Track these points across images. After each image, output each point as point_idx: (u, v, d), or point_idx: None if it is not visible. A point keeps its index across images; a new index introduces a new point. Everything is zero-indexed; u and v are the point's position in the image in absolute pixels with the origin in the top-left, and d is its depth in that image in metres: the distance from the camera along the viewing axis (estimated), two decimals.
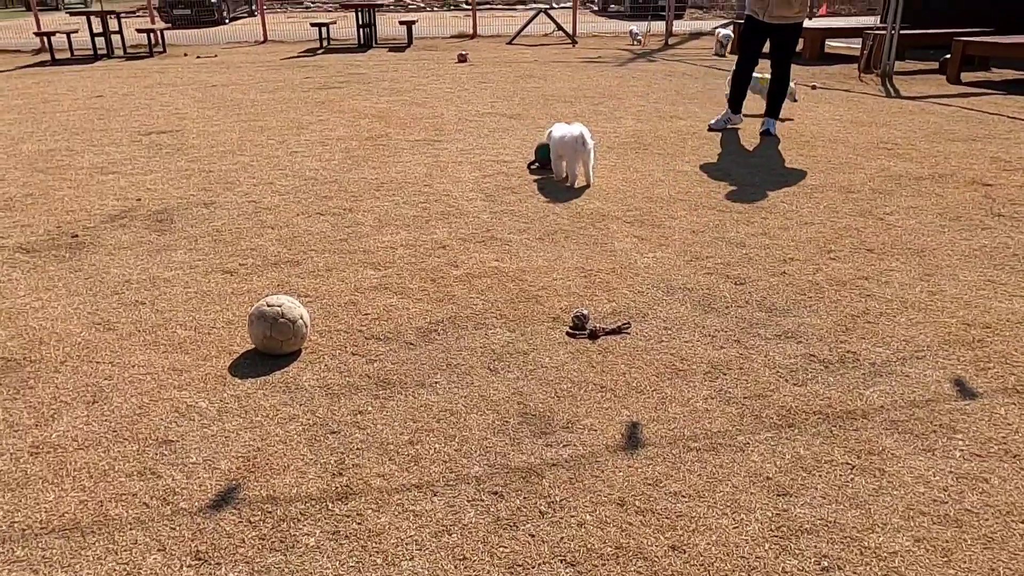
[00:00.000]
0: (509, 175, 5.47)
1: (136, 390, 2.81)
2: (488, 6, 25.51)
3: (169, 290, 3.68)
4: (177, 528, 2.12)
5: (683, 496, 2.22)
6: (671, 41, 14.61)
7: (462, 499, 2.22)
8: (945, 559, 1.97)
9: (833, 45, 12.43)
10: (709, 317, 3.30)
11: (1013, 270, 3.72)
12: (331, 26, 15.01)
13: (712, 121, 6.95)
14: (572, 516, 2.15)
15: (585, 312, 3.22)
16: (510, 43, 14.87)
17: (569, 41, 14.97)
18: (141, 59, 13.33)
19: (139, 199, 5.08)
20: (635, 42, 14.13)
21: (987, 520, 2.10)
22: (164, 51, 14.28)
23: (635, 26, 14.90)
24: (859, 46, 10.43)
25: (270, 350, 3.01)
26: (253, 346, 3.08)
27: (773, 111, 6.57)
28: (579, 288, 3.60)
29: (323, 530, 2.10)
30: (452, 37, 16.13)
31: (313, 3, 28.56)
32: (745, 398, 2.71)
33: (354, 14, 14.91)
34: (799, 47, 12.31)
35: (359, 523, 2.13)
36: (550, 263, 3.90)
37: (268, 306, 3.00)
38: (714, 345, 3.07)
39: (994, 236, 4.16)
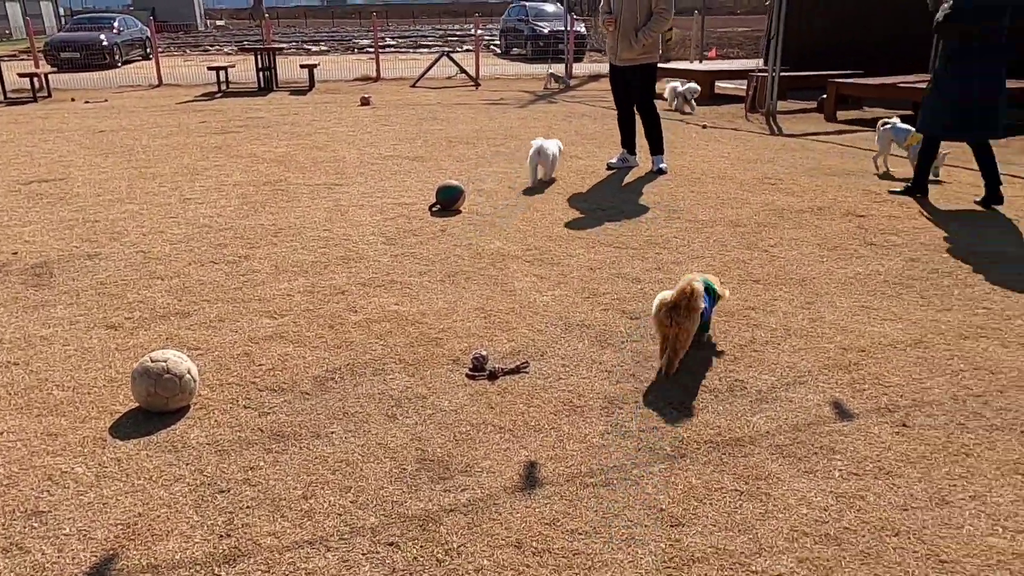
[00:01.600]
0: (411, 218, 5.47)
1: (4, 459, 2.62)
2: (392, 49, 25.69)
3: (46, 348, 3.47)
4: None
5: (579, 534, 2.23)
6: (572, 83, 15.07)
7: (356, 553, 2.16)
8: None
9: (722, 86, 13.12)
10: (606, 352, 3.37)
11: (884, 295, 3.97)
12: (229, 69, 14.75)
13: (611, 160, 7.18)
14: (470, 562, 2.13)
15: (484, 353, 3.24)
16: (414, 86, 15.00)
17: (472, 84, 15.23)
18: (23, 104, 12.70)
19: (15, 252, 4.79)
20: (559, 83, 14.32)
21: (863, 537, 2.21)
22: (49, 96, 13.66)
23: (553, 68, 15.15)
24: (745, 87, 11.06)
25: (155, 408, 2.88)
26: (137, 404, 2.94)
27: (655, 149, 6.84)
28: (479, 329, 3.62)
29: None
30: (355, 80, 16.14)
31: (212, 46, 28.03)
32: (640, 431, 2.77)
33: (253, 57, 14.71)
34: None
35: None
36: (451, 305, 3.91)
37: (152, 361, 2.87)
38: (611, 380, 3.13)
39: (867, 264, 4.44)
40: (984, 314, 3.72)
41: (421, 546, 2.19)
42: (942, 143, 5.80)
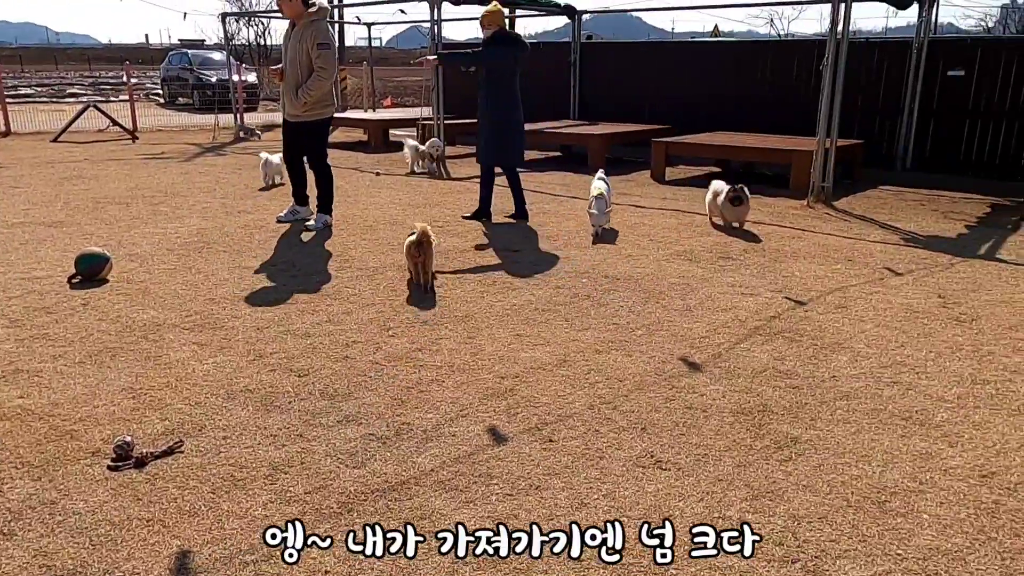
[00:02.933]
0: (43, 293, 4.79)
1: None
2: (28, 99, 22.49)
3: None
4: None
5: None
6: (242, 134, 14.52)
7: None
8: None
9: (396, 134, 13.61)
10: (272, 416, 3.24)
11: (535, 323, 4.38)
12: None
13: (280, 214, 7.01)
14: None
15: (129, 439, 2.92)
16: (55, 140, 13.28)
17: (129, 136, 13.93)
18: None
19: None
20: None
21: (513, 559, 2.37)
22: None
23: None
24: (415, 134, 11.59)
25: None
26: None
27: (322, 207, 6.77)
28: (126, 412, 3.26)
29: None
30: None
31: None
32: (306, 493, 2.69)
33: None
34: (366, 136, 13.19)
35: None
36: (91, 389, 3.47)
37: None
38: (276, 444, 3.01)
39: (521, 295, 4.87)
40: (614, 329, 4.27)
41: None
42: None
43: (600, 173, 6.86)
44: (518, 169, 7.04)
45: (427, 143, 9.92)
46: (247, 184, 8.92)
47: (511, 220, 7.03)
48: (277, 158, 8.44)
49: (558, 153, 11.87)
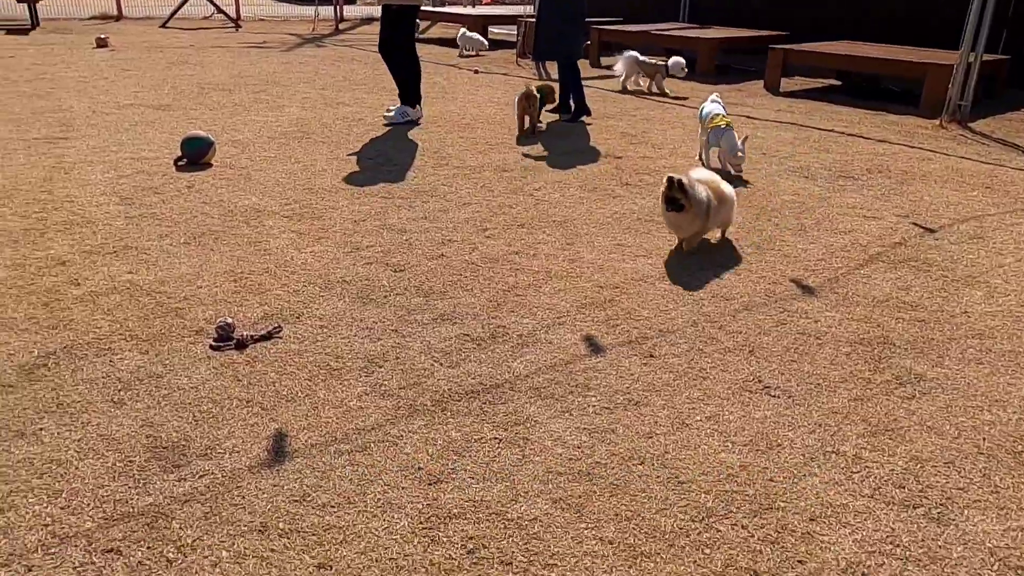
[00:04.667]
0: (151, 174, 4.88)
1: None
2: None
3: None
4: None
5: (331, 507, 2.10)
6: (342, 26, 14.36)
7: (66, 568, 1.86)
8: (578, 514, 2.10)
9: (495, 32, 13.16)
10: (367, 309, 3.22)
11: (637, 233, 4.17)
12: None
13: (387, 112, 6.82)
14: (206, 556, 1.91)
15: (230, 320, 2.94)
16: (163, 26, 13.48)
17: (232, 25, 14.00)
18: None
19: None
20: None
21: (613, 469, 2.28)
22: None
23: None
24: (515, 33, 11.15)
25: None
26: None
27: (404, 98, 6.54)
28: (227, 295, 3.30)
29: None
30: (91, 19, 14.18)
31: None
32: (400, 388, 2.66)
33: None
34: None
35: None
36: (195, 270, 3.53)
37: None
38: (371, 338, 2.99)
39: (623, 203, 4.64)
40: (721, 245, 4.02)
41: (148, 547, 1.93)
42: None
43: (715, 96, 5.65)
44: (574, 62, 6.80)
45: (670, 61, 8.28)
46: (345, 76, 8.83)
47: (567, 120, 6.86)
48: None
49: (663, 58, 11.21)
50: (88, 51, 10.18)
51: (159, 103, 7.00)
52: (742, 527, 2.07)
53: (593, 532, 2.03)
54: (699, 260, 3.82)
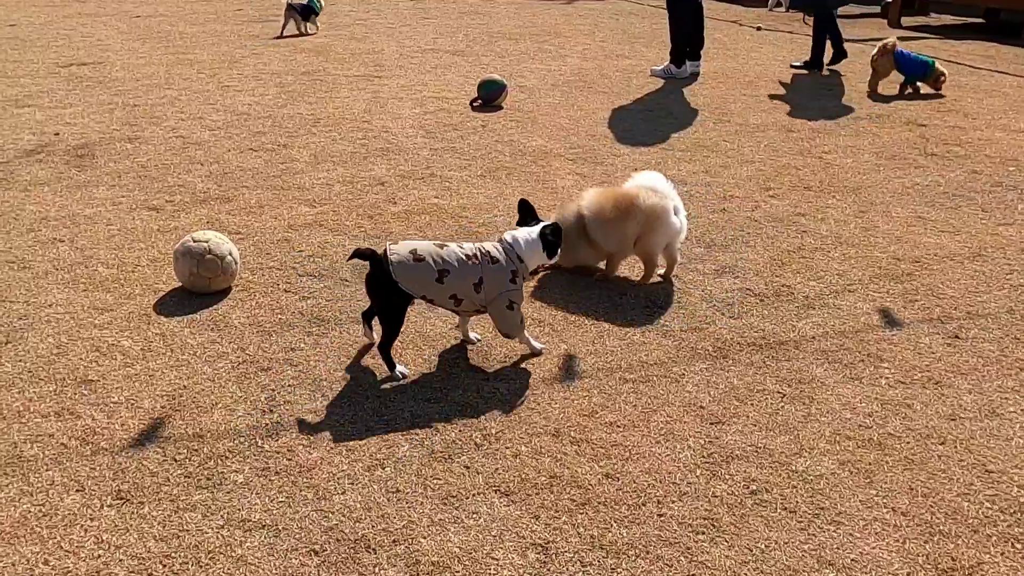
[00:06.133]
0: (451, 112, 5.33)
1: (53, 329, 2.67)
2: None
3: (90, 227, 3.49)
4: (97, 468, 2.04)
5: (617, 426, 2.23)
6: None
7: (396, 433, 2.19)
8: (868, 480, 2.03)
9: None
10: None
11: (942, 207, 3.80)
12: None
13: (655, 67, 6.80)
14: (507, 448, 2.14)
15: None
16: None
17: None
18: None
19: (57, 133, 4.78)
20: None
21: (908, 443, 2.17)
22: None
23: None
24: None
25: (197, 288, 2.89)
26: (180, 284, 2.96)
27: (691, 54, 6.46)
28: None
29: (252, 467, 2.05)
30: None
31: None
32: (682, 331, 2.72)
33: None
34: None
35: (290, 459, 2.08)
36: (491, 200, 3.83)
37: (195, 242, 2.87)
38: (652, 283, 3.07)
39: (926, 175, 4.24)
40: None
41: (460, 430, 2.21)
42: None
43: None
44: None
45: None
46: (624, 30, 8.86)
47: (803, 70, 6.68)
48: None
49: (979, 20, 9.85)
50: (394, 1, 11.20)
51: (455, 49, 7.56)
52: None
53: (885, 500, 1.96)
54: (1020, 240, 3.40)
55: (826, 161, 4.43)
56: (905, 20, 9.50)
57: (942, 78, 5.84)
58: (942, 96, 5.86)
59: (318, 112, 5.28)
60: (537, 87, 6.06)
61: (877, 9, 10.29)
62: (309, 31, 8.17)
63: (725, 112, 5.43)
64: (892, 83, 6.25)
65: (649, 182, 2.95)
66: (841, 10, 9.78)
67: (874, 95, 5.88)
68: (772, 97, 5.83)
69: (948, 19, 9.89)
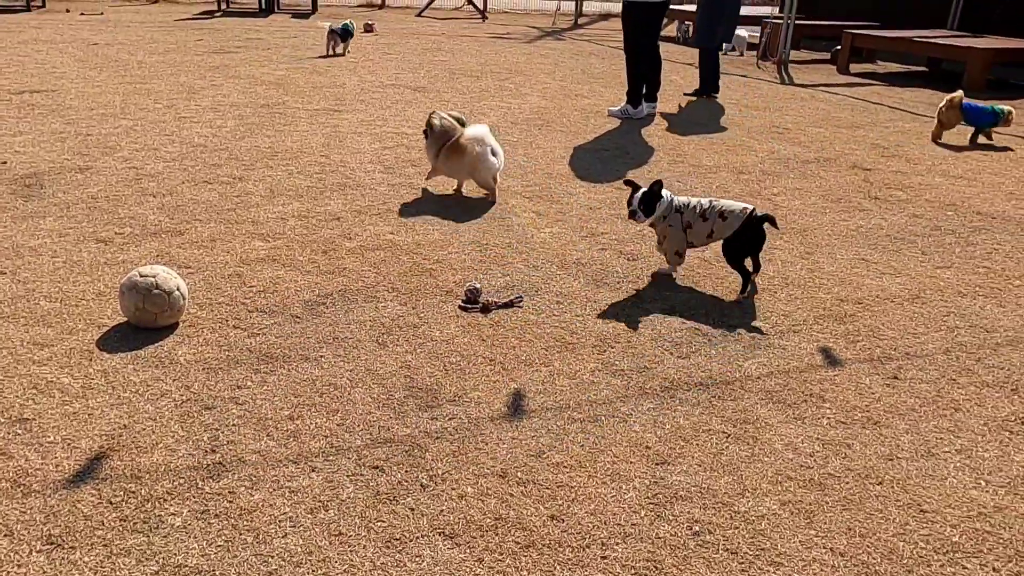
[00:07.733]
0: (410, 148, 5.36)
1: None
2: None
3: (34, 259, 3.42)
4: (28, 511, 1.97)
5: (564, 467, 2.23)
6: (580, 21, 14.68)
7: (341, 474, 2.16)
8: (808, 520, 2.07)
9: (736, 33, 12.76)
10: (601, 291, 3.34)
11: (885, 249, 3.93)
12: None
13: (612, 108, 6.96)
14: (453, 488, 2.13)
15: (478, 286, 3.20)
16: (419, 15, 14.59)
17: (479, 16, 14.82)
18: (16, 13, 12.33)
19: (4, 161, 4.69)
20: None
21: (847, 483, 2.21)
22: (43, 6, 13.25)
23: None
24: (758, 34, 10.77)
25: (143, 323, 2.84)
26: (125, 319, 2.90)
27: (647, 95, 6.67)
28: (474, 262, 3.57)
29: (191, 509, 2.01)
30: (359, 6, 15.67)
31: None
32: (631, 370, 2.75)
33: None
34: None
35: (231, 501, 2.04)
36: (446, 237, 3.85)
37: (141, 276, 2.83)
38: (604, 319, 3.11)
39: (870, 217, 4.38)
40: (984, 273, 3.68)
41: (406, 471, 2.19)
42: None
43: None
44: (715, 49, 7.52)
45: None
46: (583, 69, 9.05)
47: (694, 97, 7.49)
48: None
49: (923, 68, 10.29)
50: (357, 35, 11.28)
51: (416, 85, 7.63)
52: (993, 569, 1.93)
53: (823, 541, 2.00)
54: (957, 283, 3.52)
55: (775, 203, 4.56)
56: (853, 67, 9.87)
57: (1011, 116, 5.91)
58: (885, 144, 6.08)
59: (276, 145, 5.27)
60: (497, 124, 6.13)
61: (827, 56, 10.69)
62: (339, 51, 9.31)
63: (680, 153, 5.56)
64: (841, 127, 6.47)
65: (477, 133, 4.22)
66: (793, 55, 10.19)
67: (936, 141, 6.10)
68: (725, 139, 5.99)
69: (894, 66, 10.30)
